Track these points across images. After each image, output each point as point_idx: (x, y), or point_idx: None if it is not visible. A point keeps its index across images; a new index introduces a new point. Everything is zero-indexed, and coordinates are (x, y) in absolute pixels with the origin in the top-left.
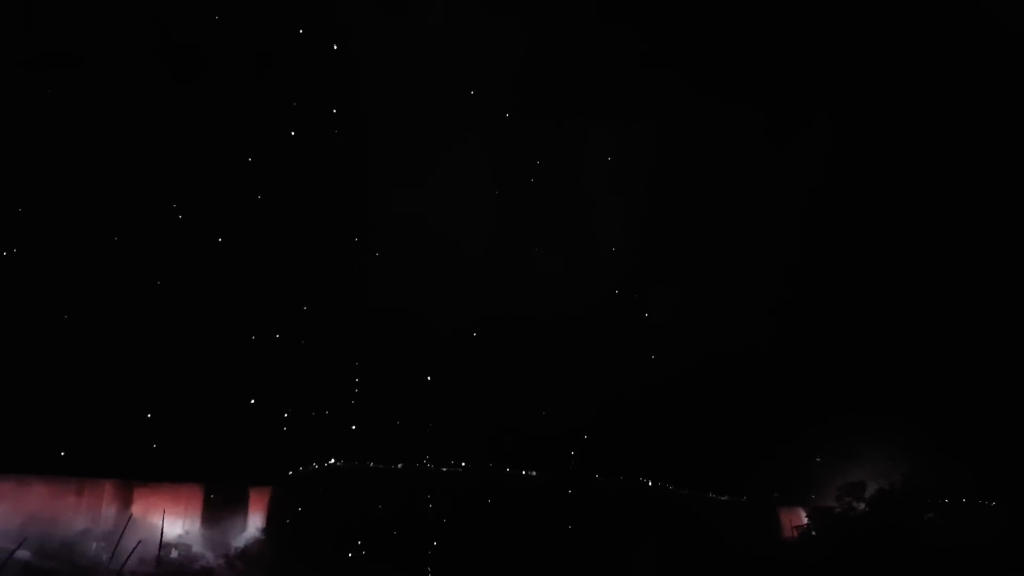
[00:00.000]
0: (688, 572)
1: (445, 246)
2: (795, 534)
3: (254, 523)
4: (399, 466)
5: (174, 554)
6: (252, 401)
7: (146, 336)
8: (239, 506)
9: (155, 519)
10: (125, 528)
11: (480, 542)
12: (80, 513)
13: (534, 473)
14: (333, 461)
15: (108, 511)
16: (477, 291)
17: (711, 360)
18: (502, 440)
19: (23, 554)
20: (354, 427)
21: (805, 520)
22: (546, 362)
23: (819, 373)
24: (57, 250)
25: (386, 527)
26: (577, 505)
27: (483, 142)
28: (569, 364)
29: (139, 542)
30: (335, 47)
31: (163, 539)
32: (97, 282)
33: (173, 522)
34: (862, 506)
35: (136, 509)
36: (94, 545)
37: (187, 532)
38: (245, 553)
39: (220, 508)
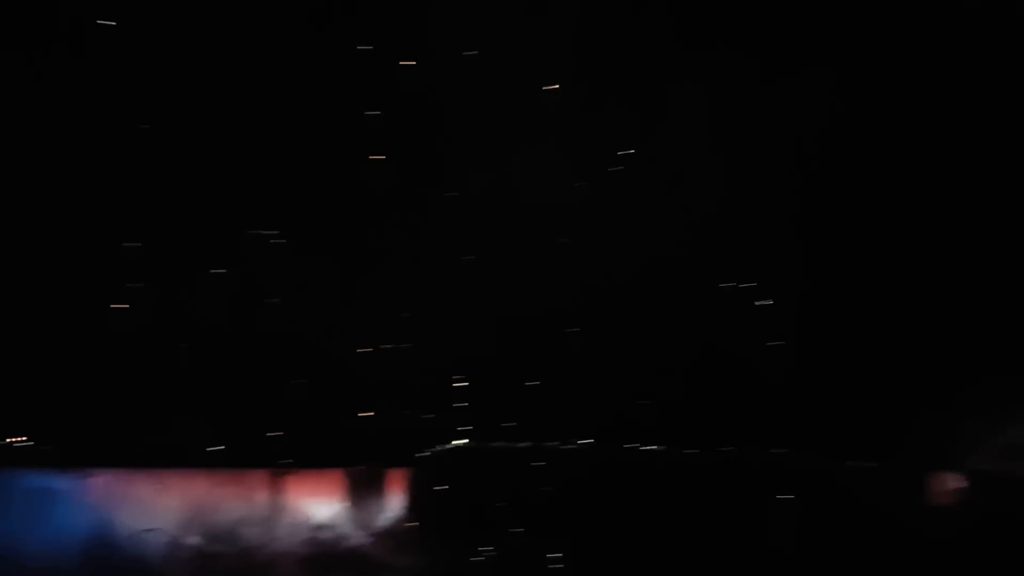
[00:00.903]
0: (833, 543)
1: (542, 225)
2: (947, 501)
3: (396, 503)
4: (527, 444)
5: (325, 535)
6: (386, 384)
7: (285, 337)
8: (380, 487)
9: (304, 504)
10: (278, 513)
11: (614, 519)
12: (238, 501)
13: (662, 447)
14: (467, 441)
15: (262, 498)
16: (582, 264)
17: (846, 321)
18: (625, 414)
19: (193, 539)
20: (482, 407)
21: (957, 485)
22: (665, 330)
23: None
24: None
25: (522, 504)
26: (709, 478)
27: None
28: (689, 330)
29: (291, 525)
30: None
31: (312, 521)
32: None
33: (320, 506)
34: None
35: (286, 495)
36: (252, 530)
37: (334, 515)
38: (390, 532)
39: (363, 490)
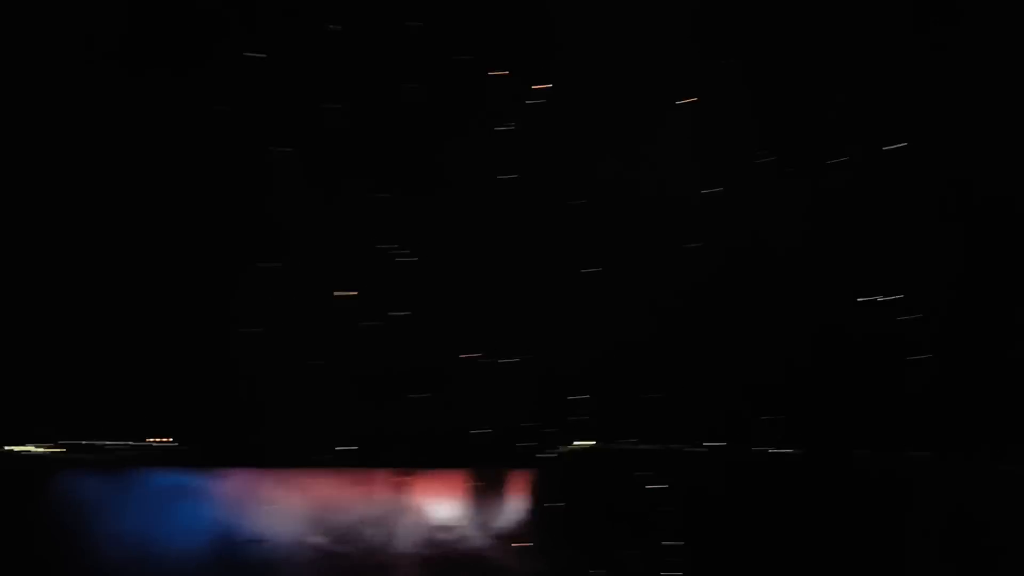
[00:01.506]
0: (973, 551)
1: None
2: None
3: (518, 505)
4: (652, 447)
5: (446, 536)
6: (510, 387)
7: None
8: (502, 489)
9: (425, 504)
10: (400, 514)
11: (739, 525)
12: (360, 500)
13: (789, 451)
14: (592, 443)
15: (383, 498)
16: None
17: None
18: (749, 416)
19: (317, 539)
20: (606, 408)
21: None
22: (793, 330)
23: None
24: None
25: (645, 508)
26: (839, 484)
27: None
28: (819, 331)
29: (413, 526)
30: None
31: (434, 523)
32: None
33: (443, 506)
34: None
35: (409, 496)
36: (374, 530)
37: (456, 515)
38: (511, 534)
39: (485, 492)
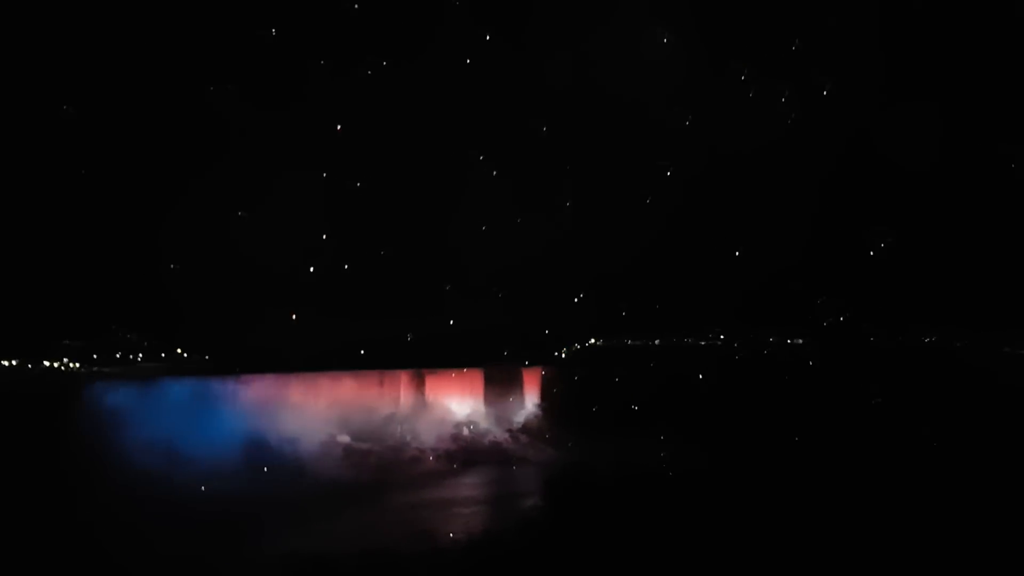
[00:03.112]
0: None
1: None
2: None
3: (531, 400)
4: (657, 342)
5: (465, 431)
6: (518, 289)
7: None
8: (516, 385)
9: (446, 402)
10: (421, 411)
11: (752, 412)
12: (384, 400)
13: (800, 340)
14: (595, 340)
15: (406, 397)
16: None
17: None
18: (756, 305)
19: (343, 437)
20: (609, 307)
21: None
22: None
23: None
24: None
25: (650, 400)
26: (851, 367)
27: None
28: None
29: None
30: None
31: (454, 419)
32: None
33: (462, 403)
34: None
35: (429, 394)
36: (398, 428)
37: (474, 411)
38: (525, 427)
39: (500, 388)
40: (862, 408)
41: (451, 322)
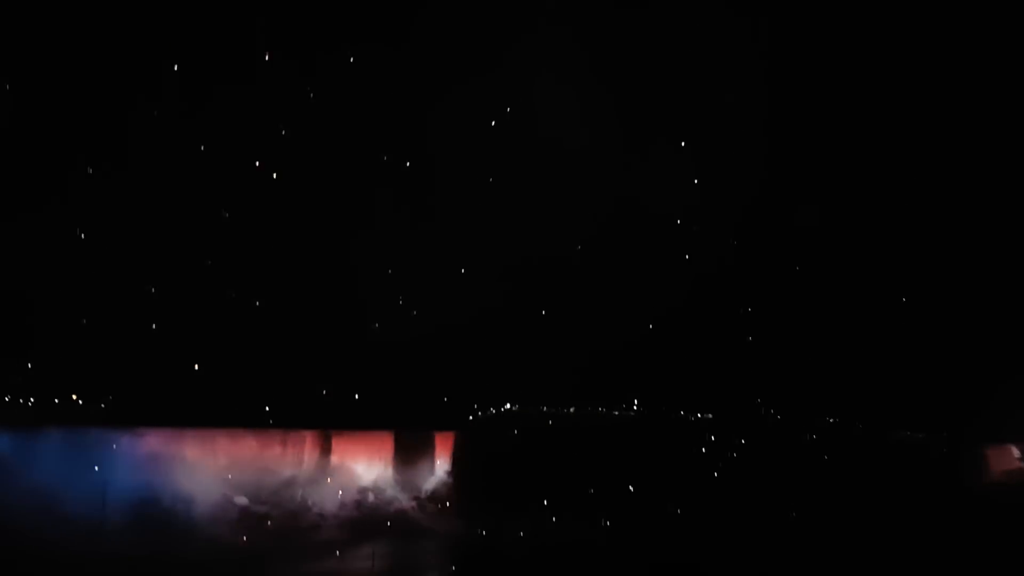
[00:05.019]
0: (885, 511)
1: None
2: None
3: (441, 466)
4: (571, 409)
5: (371, 497)
6: (432, 352)
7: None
8: (427, 451)
9: (352, 465)
10: (325, 475)
11: (666, 483)
12: (286, 461)
13: (710, 416)
14: (509, 406)
15: (310, 459)
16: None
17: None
18: (668, 378)
19: (240, 499)
20: (527, 372)
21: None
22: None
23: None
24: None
25: (565, 468)
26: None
27: None
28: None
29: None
30: None
31: (359, 484)
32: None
33: (368, 468)
34: None
35: (334, 457)
36: (299, 491)
37: (381, 477)
38: (434, 495)
39: (409, 453)
40: (762, 485)
41: (361, 382)
